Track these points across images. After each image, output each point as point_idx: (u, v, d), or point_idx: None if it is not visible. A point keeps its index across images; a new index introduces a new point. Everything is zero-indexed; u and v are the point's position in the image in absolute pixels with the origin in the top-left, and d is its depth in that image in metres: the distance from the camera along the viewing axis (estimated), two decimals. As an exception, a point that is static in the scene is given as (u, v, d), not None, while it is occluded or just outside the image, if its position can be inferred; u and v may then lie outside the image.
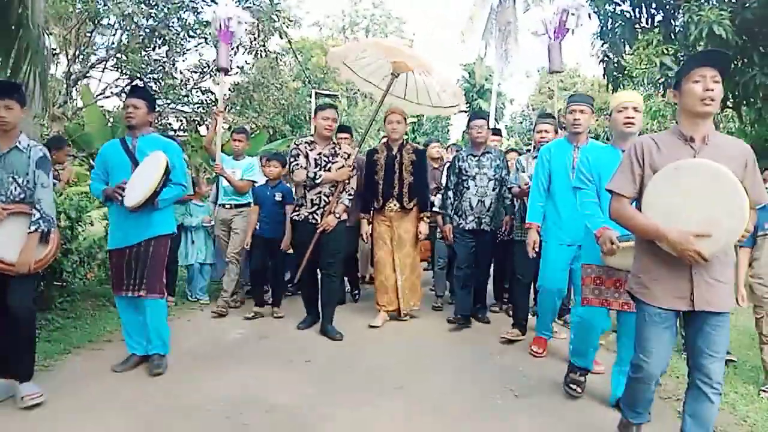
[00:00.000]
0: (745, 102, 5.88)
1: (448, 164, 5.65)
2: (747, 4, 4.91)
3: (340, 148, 4.70)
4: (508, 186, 4.77)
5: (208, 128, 8.20)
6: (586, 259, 3.25)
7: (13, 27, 4.09)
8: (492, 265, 5.49)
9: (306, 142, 4.65)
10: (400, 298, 4.95)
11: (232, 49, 8.11)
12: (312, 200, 4.56)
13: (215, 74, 7.72)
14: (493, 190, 4.78)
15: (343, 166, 4.56)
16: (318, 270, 4.72)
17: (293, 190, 5.09)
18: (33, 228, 2.97)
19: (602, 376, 3.63)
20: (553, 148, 4.03)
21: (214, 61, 5.49)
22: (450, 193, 4.90)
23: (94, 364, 3.69)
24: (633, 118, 3.09)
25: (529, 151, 5.43)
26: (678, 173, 2.19)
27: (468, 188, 4.77)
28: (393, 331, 4.79)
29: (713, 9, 4.82)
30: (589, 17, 5.87)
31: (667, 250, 2.20)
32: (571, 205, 3.49)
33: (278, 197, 5.05)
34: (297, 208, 4.66)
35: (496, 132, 6.41)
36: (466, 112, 30.83)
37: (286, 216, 4.96)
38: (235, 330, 4.65)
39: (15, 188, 3.02)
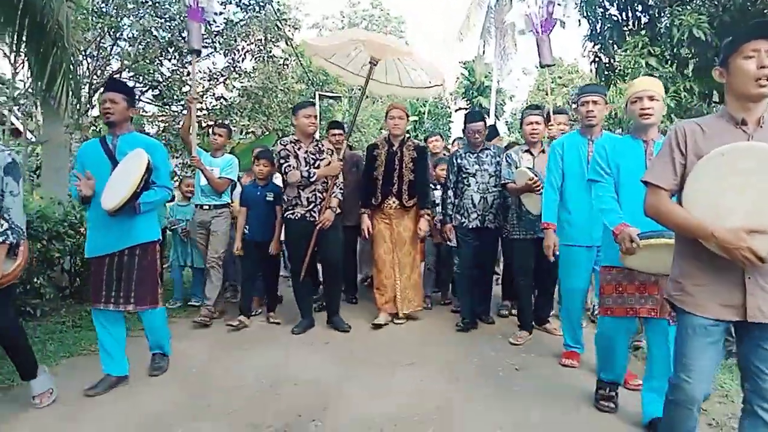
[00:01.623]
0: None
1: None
2: (723, 8, 5.24)
3: (323, 145, 4.70)
4: (503, 182, 4.49)
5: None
6: (605, 261, 2.99)
7: (49, 47, 4.47)
8: (500, 263, 5.41)
9: (291, 142, 4.60)
10: (398, 299, 4.82)
11: (236, 57, 8.47)
12: (308, 198, 4.52)
13: (228, 79, 8.10)
14: (495, 186, 4.63)
15: (329, 162, 4.58)
16: (315, 269, 4.77)
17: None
18: (0, 239, 2.74)
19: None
20: (566, 143, 3.79)
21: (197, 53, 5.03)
22: (450, 192, 4.77)
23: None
24: (649, 108, 2.85)
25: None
26: (727, 159, 1.87)
27: (469, 186, 4.65)
28: (396, 326, 4.85)
29: (693, 13, 5.14)
30: (579, 23, 6.23)
31: (715, 250, 1.87)
32: (587, 203, 3.27)
33: (270, 197, 4.80)
34: (291, 208, 4.57)
35: (494, 134, 6.13)
36: (466, 109, 31.10)
37: (276, 217, 4.79)
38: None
39: None
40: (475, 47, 29.52)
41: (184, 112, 8.32)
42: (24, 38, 4.40)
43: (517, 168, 4.30)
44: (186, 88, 7.66)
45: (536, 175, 4.05)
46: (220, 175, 4.89)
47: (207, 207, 4.94)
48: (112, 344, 3.35)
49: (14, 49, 4.50)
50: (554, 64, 5.39)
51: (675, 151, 2.02)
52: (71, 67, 4.68)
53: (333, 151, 4.70)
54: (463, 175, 4.68)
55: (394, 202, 4.77)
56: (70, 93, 4.80)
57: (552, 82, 25.27)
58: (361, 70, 5.23)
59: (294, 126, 4.75)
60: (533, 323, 4.57)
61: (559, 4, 4.91)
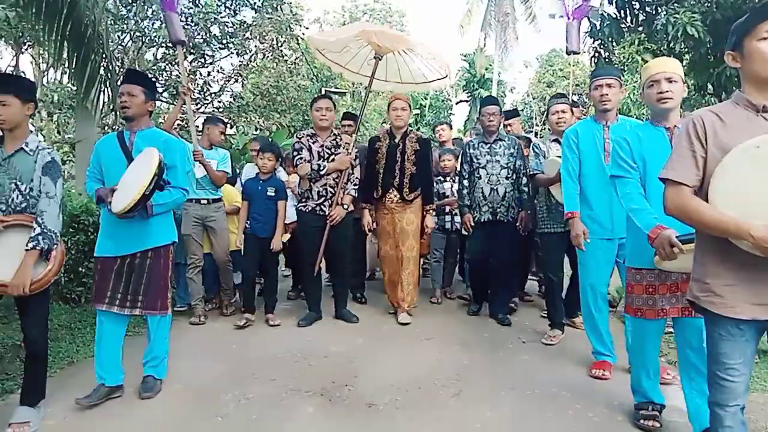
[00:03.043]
0: (724, 91, 6.55)
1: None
2: (716, 6, 5.56)
3: (341, 139, 4.68)
4: (531, 173, 4.36)
5: (234, 128, 8.99)
6: (634, 262, 2.78)
7: (89, 54, 4.83)
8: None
9: (308, 135, 4.63)
10: (404, 293, 4.73)
11: (250, 57, 8.78)
12: (318, 192, 4.54)
13: (246, 79, 8.46)
14: (507, 178, 4.53)
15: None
16: (323, 266, 4.76)
17: (297, 182, 4.92)
18: (31, 245, 2.59)
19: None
20: (580, 130, 3.62)
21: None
22: (465, 182, 4.69)
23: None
24: (668, 91, 2.64)
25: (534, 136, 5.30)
26: (760, 152, 1.76)
27: (479, 177, 4.58)
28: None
29: (686, 12, 5.46)
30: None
31: (748, 249, 1.76)
32: (606, 192, 3.24)
33: (271, 192, 4.68)
34: (303, 200, 4.61)
35: (514, 114, 6.13)
36: (467, 102, 31.23)
37: (278, 213, 4.70)
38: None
39: (17, 196, 2.68)
40: (476, 40, 29.86)
41: (201, 110, 8.71)
42: (66, 46, 4.77)
43: (545, 158, 4.21)
44: (204, 87, 8.03)
45: None
46: (218, 168, 4.78)
47: (205, 201, 4.73)
48: (107, 351, 3.13)
49: (57, 56, 4.85)
50: (579, 52, 5.19)
51: (695, 144, 1.88)
52: (109, 73, 5.04)
53: (350, 145, 4.64)
54: (475, 166, 4.62)
55: (395, 196, 4.66)
56: (108, 97, 5.16)
57: (552, 75, 25.58)
58: (362, 68, 5.21)
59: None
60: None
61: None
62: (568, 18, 4.88)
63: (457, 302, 5.46)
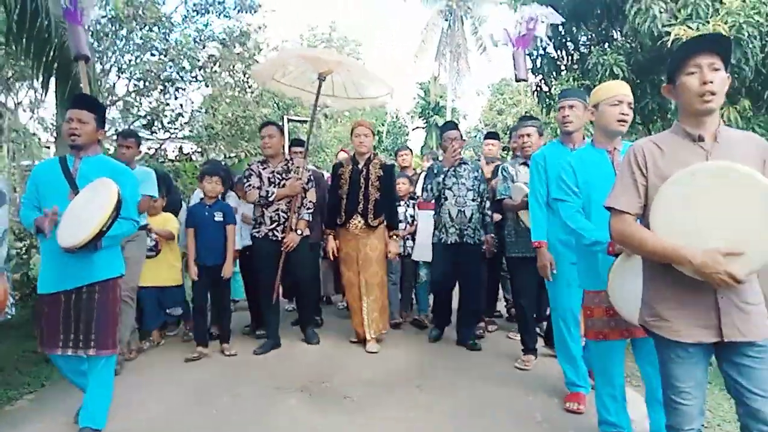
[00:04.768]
0: (650, 121, 7.33)
1: (423, 173, 5.58)
2: (641, 48, 6.34)
3: (292, 164, 4.65)
4: (498, 198, 4.34)
5: (205, 155, 9.35)
6: (589, 284, 2.73)
7: (75, 89, 5.20)
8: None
9: (258, 162, 4.65)
10: (365, 323, 4.62)
11: (219, 89, 9.16)
12: (271, 217, 4.52)
13: (216, 111, 8.89)
14: (473, 200, 4.54)
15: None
16: (278, 293, 4.66)
17: (237, 209, 4.84)
18: None
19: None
20: (548, 155, 3.52)
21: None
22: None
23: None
24: (627, 115, 2.65)
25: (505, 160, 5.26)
26: (695, 180, 1.82)
27: (446, 199, 4.55)
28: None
29: (613, 53, 6.23)
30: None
31: (689, 274, 1.81)
32: None
33: (219, 217, 4.45)
34: (257, 226, 4.58)
35: (493, 136, 6.06)
36: (423, 128, 32.05)
37: (227, 239, 4.47)
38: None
39: None
40: (431, 69, 31.02)
41: (173, 137, 9.08)
42: (53, 81, 5.14)
43: (513, 182, 4.18)
44: (173, 117, 8.44)
45: None
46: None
47: None
48: (82, 379, 3.02)
49: (44, 89, 5.18)
50: (527, 80, 5.24)
51: (636, 173, 1.97)
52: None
53: (300, 170, 4.59)
54: (440, 188, 4.59)
55: (359, 222, 4.60)
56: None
57: (503, 103, 26.77)
58: (310, 86, 5.11)
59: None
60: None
61: (542, 22, 5.11)
62: (514, 46, 4.87)
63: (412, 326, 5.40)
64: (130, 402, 3.43)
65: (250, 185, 4.53)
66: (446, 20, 29.75)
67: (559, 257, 3.42)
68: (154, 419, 3.24)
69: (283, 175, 4.59)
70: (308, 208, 4.62)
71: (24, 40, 4.85)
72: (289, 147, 5.62)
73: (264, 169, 4.60)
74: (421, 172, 6.02)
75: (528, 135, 4.23)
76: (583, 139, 3.49)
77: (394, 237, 4.77)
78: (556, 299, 3.48)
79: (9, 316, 3.41)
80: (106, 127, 4.57)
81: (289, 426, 3.17)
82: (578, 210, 2.71)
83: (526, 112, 12.48)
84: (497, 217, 4.77)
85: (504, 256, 4.66)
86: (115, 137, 6.95)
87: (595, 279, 2.66)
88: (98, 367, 2.96)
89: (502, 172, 4.33)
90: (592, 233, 2.58)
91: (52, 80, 5.13)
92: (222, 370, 4.12)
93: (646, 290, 2.03)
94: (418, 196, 5.43)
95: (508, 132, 7.64)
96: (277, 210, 4.54)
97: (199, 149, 8.72)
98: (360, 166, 4.68)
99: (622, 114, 2.64)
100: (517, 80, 5.05)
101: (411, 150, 6.49)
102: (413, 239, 5.38)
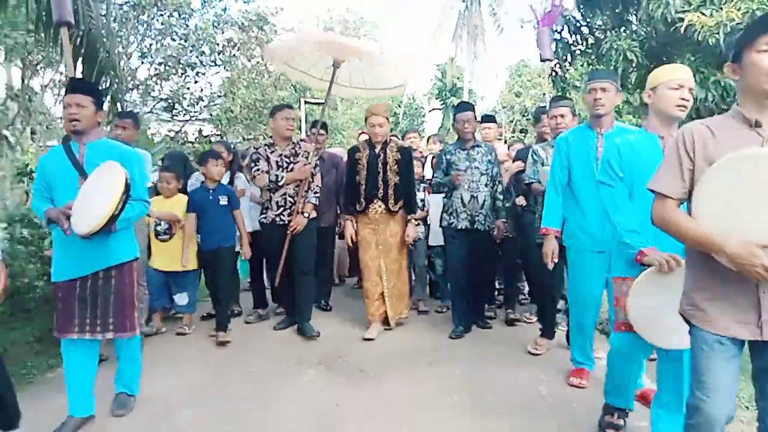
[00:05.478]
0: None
1: (431, 157, 5.65)
2: (655, 33, 6.37)
3: (300, 148, 4.59)
4: (528, 181, 4.22)
5: (224, 138, 9.54)
6: (619, 271, 2.60)
7: (101, 74, 5.40)
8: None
9: (265, 146, 4.57)
10: (387, 306, 4.62)
11: (238, 73, 9.34)
12: (277, 202, 4.49)
13: (235, 95, 9.07)
14: (486, 185, 4.43)
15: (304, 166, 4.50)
16: (283, 274, 4.63)
17: (258, 193, 4.82)
18: None
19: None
20: (572, 137, 3.41)
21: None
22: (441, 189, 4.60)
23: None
24: (688, 100, 2.47)
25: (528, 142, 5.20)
26: (740, 166, 1.72)
27: (459, 184, 4.42)
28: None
29: (626, 39, 6.26)
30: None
31: (727, 265, 1.72)
32: (598, 203, 2.96)
33: (223, 201, 4.43)
34: (264, 211, 4.56)
35: (489, 119, 5.72)
36: (440, 110, 31.98)
37: (234, 223, 4.48)
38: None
39: None
40: (448, 50, 30.84)
41: (194, 119, 9.29)
42: (82, 67, 5.33)
43: (543, 165, 4.04)
44: (194, 100, 8.64)
45: None
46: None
47: None
48: (81, 381, 2.93)
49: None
50: (552, 59, 5.01)
51: (682, 156, 1.87)
52: (119, 95, 5.63)
53: (309, 154, 4.56)
54: (453, 172, 4.46)
55: (380, 207, 4.53)
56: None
57: (520, 86, 26.60)
58: (324, 74, 5.05)
59: (272, 129, 4.67)
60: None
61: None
62: (539, 24, 4.78)
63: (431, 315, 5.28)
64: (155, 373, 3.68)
65: (258, 169, 4.49)
66: (463, 1, 29.47)
67: (580, 245, 3.35)
68: (172, 392, 3.46)
69: (291, 159, 4.53)
70: (315, 192, 4.59)
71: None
72: (309, 128, 5.68)
73: (272, 152, 4.53)
74: (428, 155, 6.04)
75: (562, 116, 3.99)
76: (612, 123, 3.35)
77: (412, 221, 4.66)
78: (574, 286, 3.47)
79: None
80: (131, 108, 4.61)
81: (307, 394, 3.41)
82: (624, 198, 2.57)
83: (543, 95, 12.46)
84: (521, 201, 4.67)
85: (524, 241, 4.55)
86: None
87: (625, 265, 2.55)
88: (124, 345, 3.09)
89: (532, 155, 4.19)
90: (627, 234, 2.47)
91: (79, 65, 5.35)
92: (239, 345, 4.35)
93: (688, 279, 1.97)
94: (428, 179, 5.39)
95: (526, 114, 7.57)
96: (285, 194, 4.52)
97: (218, 132, 8.93)
98: (377, 151, 4.57)
99: (683, 99, 2.46)
100: (542, 60, 4.91)
101: (419, 132, 6.34)
102: (425, 224, 5.35)
